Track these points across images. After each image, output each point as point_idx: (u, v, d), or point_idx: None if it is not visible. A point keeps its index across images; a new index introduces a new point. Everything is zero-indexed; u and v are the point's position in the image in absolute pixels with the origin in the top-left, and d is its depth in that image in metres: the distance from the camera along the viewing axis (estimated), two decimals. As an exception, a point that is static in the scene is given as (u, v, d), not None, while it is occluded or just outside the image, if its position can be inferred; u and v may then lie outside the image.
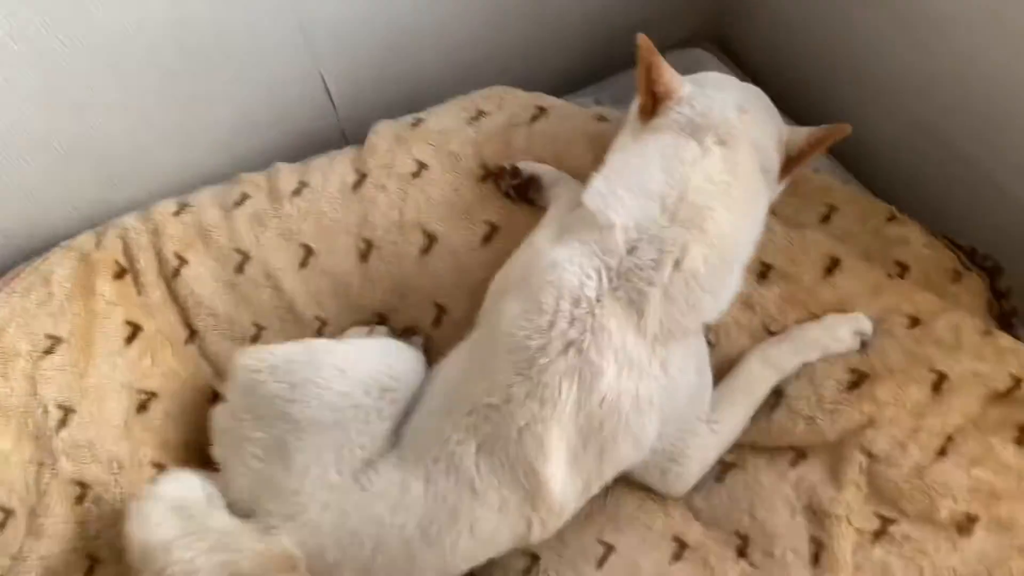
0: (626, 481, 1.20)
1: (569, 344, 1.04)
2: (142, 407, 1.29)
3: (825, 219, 1.44)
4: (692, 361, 1.14)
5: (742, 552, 1.16)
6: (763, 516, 1.17)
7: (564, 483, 1.06)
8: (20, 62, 1.23)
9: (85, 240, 1.40)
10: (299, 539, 1.06)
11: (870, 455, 1.16)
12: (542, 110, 1.47)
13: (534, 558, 1.16)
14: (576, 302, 1.05)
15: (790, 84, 1.84)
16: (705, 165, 1.10)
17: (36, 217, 1.43)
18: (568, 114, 1.48)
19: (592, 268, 1.07)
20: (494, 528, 1.07)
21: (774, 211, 1.46)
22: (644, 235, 1.07)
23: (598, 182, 1.13)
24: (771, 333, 1.29)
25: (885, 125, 1.66)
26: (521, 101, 1.50)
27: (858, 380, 1.22)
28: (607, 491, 1.19)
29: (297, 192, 1.42)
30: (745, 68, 1.94)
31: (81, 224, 1.44)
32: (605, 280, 1.06)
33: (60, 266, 1.34)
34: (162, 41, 1.33)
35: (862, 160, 1.69)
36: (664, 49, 1.85)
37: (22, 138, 1.33)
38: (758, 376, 1.23)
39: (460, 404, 1.08)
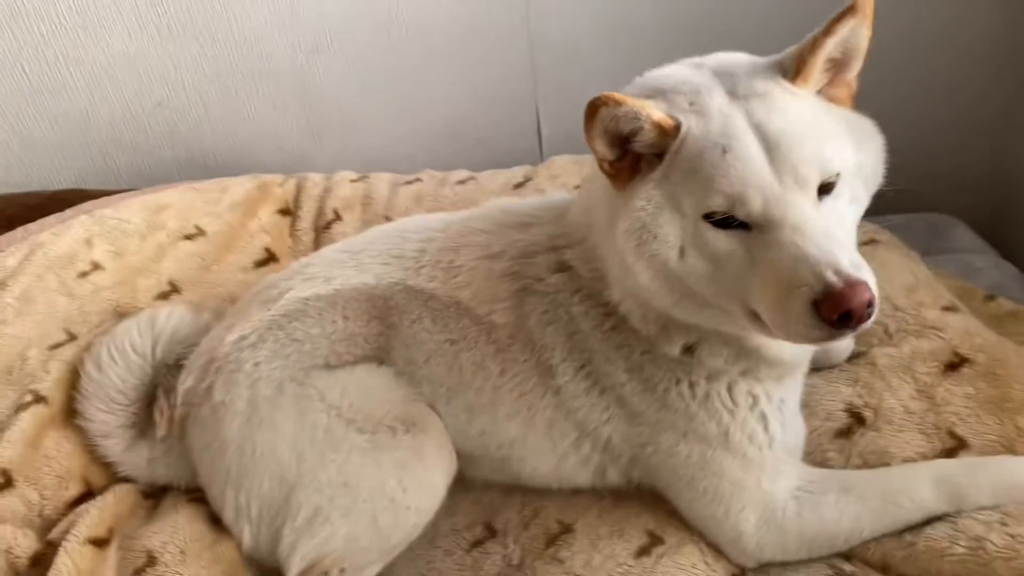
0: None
1: None
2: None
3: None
4: None
5: None
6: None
7: None
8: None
9: (272, 177, 1.50)
10: None
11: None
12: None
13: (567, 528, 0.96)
14: None
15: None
16: None
17: (244, 150, 1.60)
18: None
19: None
20: None
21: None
22: None
23: None
24: (954, 437, 0.94)
25: None
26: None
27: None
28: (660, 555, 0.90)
29: (463, 182, 1.43)
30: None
31: (281, 167, 1.59)
32: None
33: (240, 184, 1.46)
34: (410, 39, 1.53)
35: None
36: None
37: (259, 70, 1.55)
38: (924, 504, 0.87)
39: None
